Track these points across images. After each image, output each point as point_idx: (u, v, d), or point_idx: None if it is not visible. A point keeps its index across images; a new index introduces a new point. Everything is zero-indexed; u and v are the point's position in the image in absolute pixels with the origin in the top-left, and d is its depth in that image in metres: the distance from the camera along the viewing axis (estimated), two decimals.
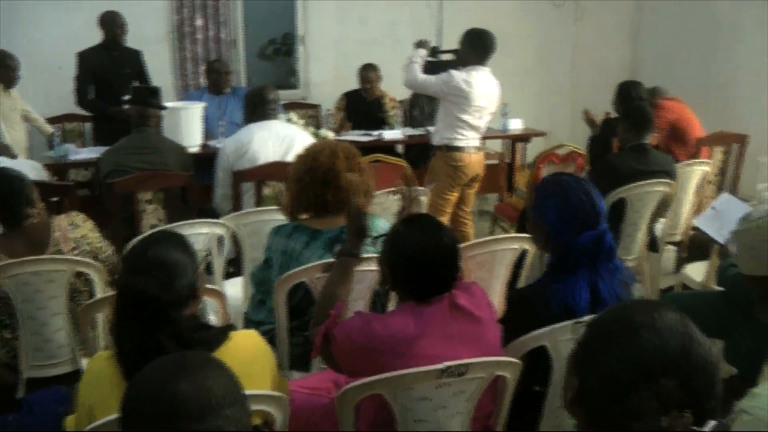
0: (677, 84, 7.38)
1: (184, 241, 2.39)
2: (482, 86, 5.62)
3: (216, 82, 7.23)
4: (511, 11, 9.35)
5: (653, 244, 5.39)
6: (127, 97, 5.88)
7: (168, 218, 4.87)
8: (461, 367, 2.37)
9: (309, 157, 3.41)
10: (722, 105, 8.37)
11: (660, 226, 5.48)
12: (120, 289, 2.24)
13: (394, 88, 7.54)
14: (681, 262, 5.55)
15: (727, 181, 6.45)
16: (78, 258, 3.57)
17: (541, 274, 2.89)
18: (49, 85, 7.43)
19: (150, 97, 5.48)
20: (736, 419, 1.81)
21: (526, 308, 2.75)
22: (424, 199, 4.98)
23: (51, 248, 3.56)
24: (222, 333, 2.28)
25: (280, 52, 10.97)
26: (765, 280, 1.97)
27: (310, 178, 3.34)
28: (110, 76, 6.83)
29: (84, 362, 3.56)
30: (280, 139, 5.20)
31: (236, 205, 5.06)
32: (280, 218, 3.75)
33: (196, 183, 5.20)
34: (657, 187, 4.91)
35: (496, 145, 8.07)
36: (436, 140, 5.87)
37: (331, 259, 3.11)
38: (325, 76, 8.71)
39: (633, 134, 4.99)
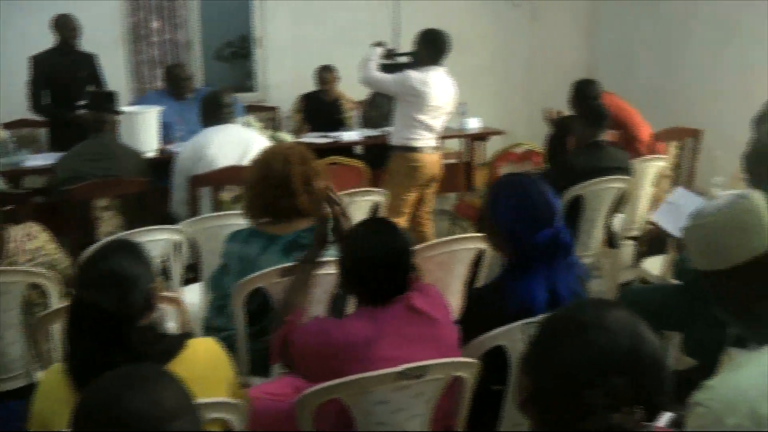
0: (632, 82, 7.47)
1: (139, 251, 2.36)
2: (438, 86, 5.63)
3: (177, 87, 7.12)
4: (468, 11, 9.36)
5: (611, 240, 5.43)
6: (82, 102, 5.82)
7: (125, 225, 4.83)
8: (419, 370, 2.38)
9: (263, 163, 3.40)
10: (677, 101, 8.47)
11: (617, 221, 5.53)
12: (73, 304, 2.22)
13: (352, 89, 7.54)
14: (639, 257, 5.61)
15: (682, 175, 6.53)
16: (32, 269, 3.52)
17: (499, 273, 2.91)
18: (1, 90, 7.32)
19: (106, 102, 5.43)
20: (691, 412, 1.82)
21: (483, 308, 2.76)
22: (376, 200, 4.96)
23: (5, 260, 3.51)
24: (178, 342, 2.27)
25: (238, 54, 10.92)
26: (716, 275, 1.98)
27: (264, 185, 3.33)
28: (64, 81, 6.75)
29: (39, 375, 3.52)
30: (237, 143, 5.18)
31: (193, 210, 5.03)
32: (238, 223, 3.74)
33: (154, 187, 5.17)
34: (613, 184, 4.96)
35: (454, 144, 8.08)
36: (393, 141, 5.88)
37: (289, 264, 3.11)
38: (283, 77, 8.66)
39: (588, 132, 5.03)
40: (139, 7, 8.15)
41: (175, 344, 2.25)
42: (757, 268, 1.94)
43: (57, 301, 3.52)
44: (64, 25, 6.75)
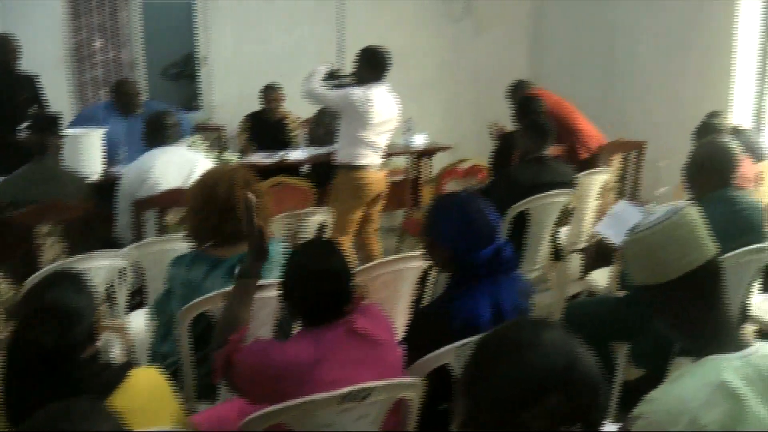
0: (577, 94, 7.54)
1: (81, 282, 2.33)
2: (380, 103, 5.65)
3: (125, 103, 6.91)
4: (412, 28, 9.41)
5: (557, 253, 5.48)
6: (24, 125, 5.74)
7: (68, 251, 4.76)
8: (363, 391, 2.38)
9: (205, 187, 3.36)
10: (621, 113, 8.57)
11: (563, 234, 5.59)
12: (11, 339, 2.18)
13: (298, 108, 7.54)
14: (587, 269, 5.66)
15: (627, 187, 6.61)
16: None
17: (443, 291, 2.92)
18: None
19: (49, 124, 5.37)
20: (633, 424, 1.85)
21: (427, 327, 2.77)
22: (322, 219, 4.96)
23: None
24: (120, 373, 2.24)
25: (183, 75, 10.86)
26: (654, 288, 2.01)
27: (208, 209, 3.30)
28: (5, 103, 6.63)
29: None
30: (181, 165, 5.13)
31: (138, 235, 4.98)
32: (182, 247, 3.71)
33: (98, 212, 5.11)
34: (557, 198, 5.01)
35: (401, 161, 8.11)
36: (338, 159, 5.88)
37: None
38: (229, 97, 8.64)
39: (532, 147, 5.08)
40: (81, 27, 8.07)
41: (116, 376, 2.22)
42: (694, 281, 1.96)
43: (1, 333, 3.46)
44: (3, 46, 6.66)
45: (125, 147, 6.59)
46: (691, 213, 2.02)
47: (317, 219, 4.84)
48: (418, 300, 4.00)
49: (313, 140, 7.71)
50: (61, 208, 4.83)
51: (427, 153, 7.73)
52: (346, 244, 5.73)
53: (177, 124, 5.41)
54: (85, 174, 5.74)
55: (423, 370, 2.64)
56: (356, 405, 2.40)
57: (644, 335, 3.79)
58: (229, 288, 3.13)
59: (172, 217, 4.99)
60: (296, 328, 3.35)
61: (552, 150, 6.18)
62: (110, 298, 4.15)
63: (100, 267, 4.00)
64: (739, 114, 7.50)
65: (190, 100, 9.48)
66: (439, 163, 7.45)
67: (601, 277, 5.01)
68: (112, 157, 6.54)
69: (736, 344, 1.94)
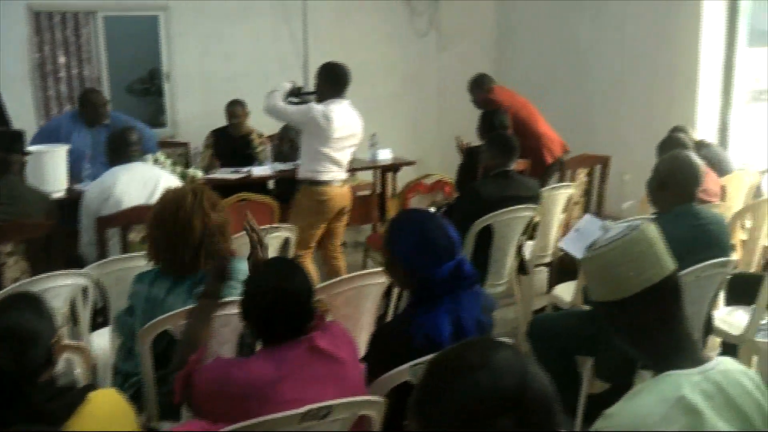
0: (542, 108, 7.57)
1: (40, 304, 2.31)
2: (341, 119, 5.65)
3: (93, 117, 6.81)
4: (376, 43, 9.46)
5: (523, 267, 5.50)
6: None
7: (31, 270, 4.71)
8: (323, 410, 2.37)
9: (166, 209, 3.31)
10: (586, 127, 8.64)
11: (528, 248, 5.61)
12: None
13: (263, 124, 7.52)
14: (552, 283, 5.68)
15: (592, 201, 6.64)
16: None
17: (404, 307, 2.91)
18: None
19: (12, 142, 5.30)
20: None
21: (388, 344, 2.76)
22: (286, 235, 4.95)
23: None
24: (79, 396, 2.21)
25: (149, 91, 10.81)
26: (612, 305, 2.01)
27: (168, 232, 3.25)
28: None
29: None
30: (144, 182, 5.10)
31: (102, 252, 4.94)
32: (144, 265, 3.67)
33: (62, 230, 5.06)
34: (522, 213, 5.03)
35: (367, 176, 8.12)
36: (300, 174, 5.88)
37: (194, 306, 3.08)
38: (193, 113, 8.61)
39: (497, 161, 5.09)
40: (44, 42, 8.02)
41: (75, 399, 2.20)
42: (652, 298, 1.97)
43: None
44: None
45: (89, 164, 6.55)
46: (649, 229, 2.03)
47: (281, 235, 4.83)
48: (383, 315, 3.99)
49: (279, 156, 7.68)
50: (24, 227, 4.78)
51: (392, 168, 7.74)
52: (307, 259, 5.73)
53: (140, 141, 5.37)
54: (49, 191, 5.69)
55: (384, 388, 2.64)
56: (317, 423, 2.38)
57: (608, 349, 3.80)
58: (191, 306, 3.12)
59: (136, 234, 4.96)
60: (259, 346, 3.35)
61: (517, 164, 6.24)
62: (73, 317, 4.11)
63: (62, 286, 3.98)
64: (704, 128, 7.57)
65: (156, 116, 9.42)
66: (405, 177, 7.46)
67: (566, 291, 5.03)
68: (77, 168, 6.49)
69: (695, 360, 1.95)
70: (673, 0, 7.71)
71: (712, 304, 4.03)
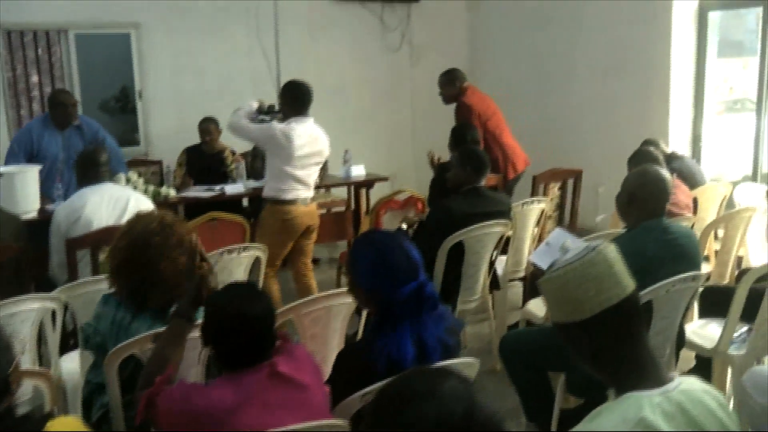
0: (513, 121, 7.59)
1: None
2: (302, 137, 5.65)
3: (63, 118, 6.73)
4: (348, 58, 9.48)
5: (495, 282, 5.49)
6: None
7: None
8: None
9: (128, 243, 3.23)
10: (558, 140, 8.68)
11: (501, 264, 5.60)
12: None
13: (235, 141, 7.49)
14: (526, 298, 5.68)
15: (565, 215, 6.65)
16: None
17: (367, 329, 2.90)
18: None
19: None
20: None
21: (351, 367, 2.74)
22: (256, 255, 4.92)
23: None
24: (37, 425, 2.18)
25: (126, 109, 10.74)
26: (571, 326, 2.01)
27: (131, 267, 3.17)
28: None
29: None
30: (114, 203, 5.07)
31: (72, 274, 4.90)
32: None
33: (36, 250, 5.02)
34: (494, 229, 5.02)
35: (341, 192, 8.11)
36: (264, 193, 5.89)
37: (160, 329, 3.05)
38: (166, 130, 8.58)
39: (468, 178, 5.08)
40: (15, 61, 7.98)
41: (33, 428, 2.16)
42: (611, 319, 1.96)
43: None
44: None
45: (60, 183, 6.52)
46: (608, 250, 2.02)
47: (251, 254, 4.81)
48: (354, 334, 3.98)
49: (252, 173, 7.66)
50: None
51: (366, 184, 7.72)
52: (271, 278, 5.71)
53: (109, 161, 5.34)
54: (20, 212, 5.65)
55: (347, 412, 2.62)
56: None
57: (579, 365, 3.79)
58: (156, 330, 3.08)
59: (106, 255, 4.91)
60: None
61: (489, 179, 6.23)
62: (41, 340, 4.08)
63: (29, 310, 3.93)
64: (676, 139, 7.61)
65: (128, 134, 9.36)
66: (379, 193, 7.45)
67: (539, 307, 5.02)
68: (50, 173, 6.51)
69: (657, 380, 1.94)
70: (643, 12, 7.76)
71: (684, 318, 4.03)
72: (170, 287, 3.14)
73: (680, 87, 7.65)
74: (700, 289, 4.69)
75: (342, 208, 7.91)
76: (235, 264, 4.71)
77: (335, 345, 3.76)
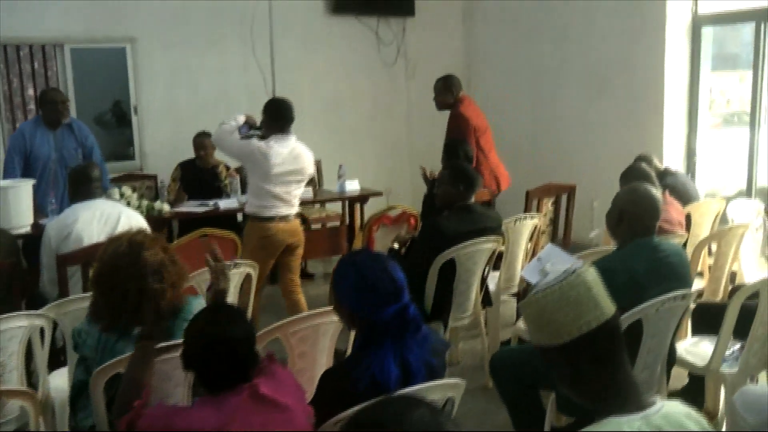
0: (508, 136, 7.60)
1: None
2: (280, 155, 5.64)
3: (53, 115, 6.77)
4: (344, 73, 9.49)
5: (487, 298, 5.48)
6: None
7: None
8: None
9: (106, 265, 3.18)
10: (552, 154, 8.68)
11: (494, 279, 5.59)
12: None
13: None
14: (519, 314, 5.66)
15: (559, 230, 6.64)
16: None
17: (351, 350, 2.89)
18: None
19: None
20: None
21: (334, 388, 2.73)
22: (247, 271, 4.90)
23: None
24: None
25: (119, 122, 10.72)
26: (550, 350, 2.00)
27: (112, 295, 3.13)
28: None
29: None
30: (105, 219, 5.05)
31: (62, 290, 4.88)
32: None
33: (30, 265, 5.01)
34: (485, 245, 5.01)
35: (336, 207, 8.11)
36: (246, 209, 5.94)
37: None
38: (161, 145, 8.58)
39: (458, 195, 5.07)
40: (11, 74, 7.99)
41: None
42: (590, 343, 1.95)
43: None
44: None
45: (54, 198, 6.52)
46: (587, 274, 2.01)
47: (241, 271, 4.79)
48: (344, 352, 3.95)
49: (246, 189, 7.62)
50: None
51: (360, 199, 7.69)
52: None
53: (100, 178, 5.34)
54: (14, 227, 5.65)
55: None
56: None
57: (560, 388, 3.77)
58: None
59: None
60: None
61: (482, 194, 6.23)
62: (29, 359, 4.06)
63: (18, 327, 3.91)
64: (670, 154, 7.61)
65: (123, 148, 9.35)
66: (374, 208, 7.44)
67: None
68: (44, 174, 6.60)
69: (637, 404, 1.93)
70: (637, 27, 7.77)
71: (675, 336, 4.01)
72: (136, 310, 3.11)
73: (674, 102, 7.66)
74: (693, 306, 4.69)
75: (337, 223, 7.93)
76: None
77: (324, 363, 3.74)
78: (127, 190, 6.76)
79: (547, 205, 6.46)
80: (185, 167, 7.69)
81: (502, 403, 4.20)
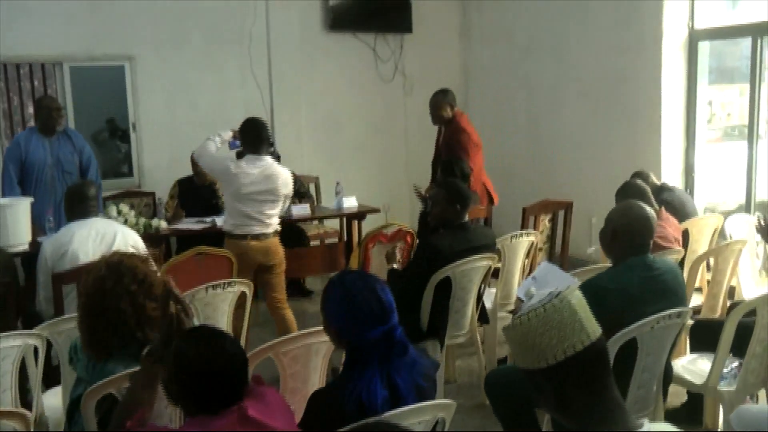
0: (505, 152, 7.60)
1: None
2: (251, 176, 5.68)
3: (47, 121, 6.87)
4: (341, 90, 9.50)
5: (484, 316, 5.46)
6: None
7: None
8: None
9: (91, 292, 3.14)
10: (551, 171, 8.68)
11: (490, 296, 5.58)
12: None
13: None
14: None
15: (556, 246, 6.62)
16: None
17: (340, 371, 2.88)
18: None
19: None
20: None
21: (322, 409, 2.71)
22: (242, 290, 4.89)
23: None
24: None
25: (117, 137, 10.73)
26: (535, 373, 1.98)
27: (99, 322, 3.13)
28: None
29: None
30: (102, 237, 5.06)
31: (58, 309, 4.88)
32: None
33: (28, 282, 5.01)
34: (480, 263, 5.00)
35: (334, 224, 8.11)
36: (223, 227, 6.01)
37: (136, 369, 3.02)
38: (159, 162, 8.58)
39: (455, 214, 5.05)
40: (12, 92, 8.02)
41: None
42: (575, 366, 1.93)
43: None
44: None
45: (52, 216, 6.52)
46: (572, 296, 1.99)
47: (235, 290, 4.78)
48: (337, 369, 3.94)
49: None
50: None
51: (357, 216, 7.66)
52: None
53: (96, 196, 5.35)
54: (11, 245, 5.65)
55: None
56: None
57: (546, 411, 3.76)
58: (133, 369, 3.05)
59: None
60: None
61: (479, 211, 6.22)
62: (23, 378, 4.05)
63: (11, 347, 3.91)
64: (668, 169, 7.60)
65: (122, 165, 9.36)
66: (372, 224, 7.41)
67: None
68: (40, 180, 6.72)
69: (624, 426, 1.91)
70: (634, 42, 7.78)
71: (672, 353, 3.99)
72: (135, 327, 3.10)
73: (671, 117, 7.66)
74: (691, 323, 4.66)
75: (335, 240, 7.92)
76: (220, 299, 4.69)
77: (316, 383, 3.73)
78: (124, 207, 6.77)
79: (544, 221, 6.45)
80: (183, 184, 7.68)
81: (498, 421, 4.18)
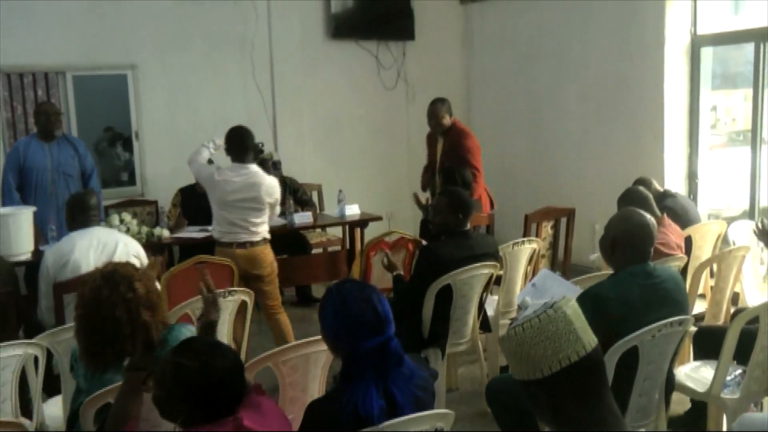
0: (507, 159, 7.58)
1: None
2: (233, 184, 5.72)
3: (46, 125, 6.94)
4: (343, 97, 9.50)
5: (486, 324, 5.44)
6: None
7: None
8: None
9: (87, 303, 3.14)
10: (553, 178, 8.66)
11: (492, 304, 5.56)
12: None
13: None
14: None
15: (559, 253, 6.60)
16: None
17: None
18: None
19: None
20: None
21: (319, 419, 2.70)
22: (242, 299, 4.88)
23: None
24: None
25: (118, 146, 10.72)
26: (530, 383, 1.97)
27: (96, 334, 3.11)
28: None
29: None
30: (103, 246, 5.06)
31: (59, 318, 4.88)
32: None
33: (31, 291, 5.00)
34: (481, 271, 4.98)
35: (337, 231, 8.09)
36: (212, 234, 6.04)
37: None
38: (162, 170, 8.57)
39: (458, 222, 5.04)
40: (15, 101, 8.03)
41: None
42: (570, 376, 1.93)
43: None
44: None
45: (54, 225, 6.52)
46: (567, 307, 1.98)
47: (236, 299, 4.77)
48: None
49: None
50: None
51: (360, 223, 7.65)
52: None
53: (97, 206, 5.35)
54: (13, 254, 5.65)
55: None
56: None
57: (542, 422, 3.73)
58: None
59: None
60: None
61: (481, 219, 6.20)
62: (23, 387, 4.05)
63: (11, 356, 3.90)
64: (671, 176, 7.58)
65: (125, 173, 9.35)
66: (375, 232, 7.40)
67: None
68: (40, 184, 6.79)
69: None
70: (636, 49, 7.77)
71: (674, 361, 3.97)
72: (129, 336, 3.09)
73: (674, 123, 7.64)
74: (694, 330, 4.64)
75: (338, 248, 7.91)
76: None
77: (315, 392, 3.72)
78: (126, 216, 6.77)
79: (547, 228, 6.43)
80: (185, 193, 7.69)
81: (500, 429, 4.16)
